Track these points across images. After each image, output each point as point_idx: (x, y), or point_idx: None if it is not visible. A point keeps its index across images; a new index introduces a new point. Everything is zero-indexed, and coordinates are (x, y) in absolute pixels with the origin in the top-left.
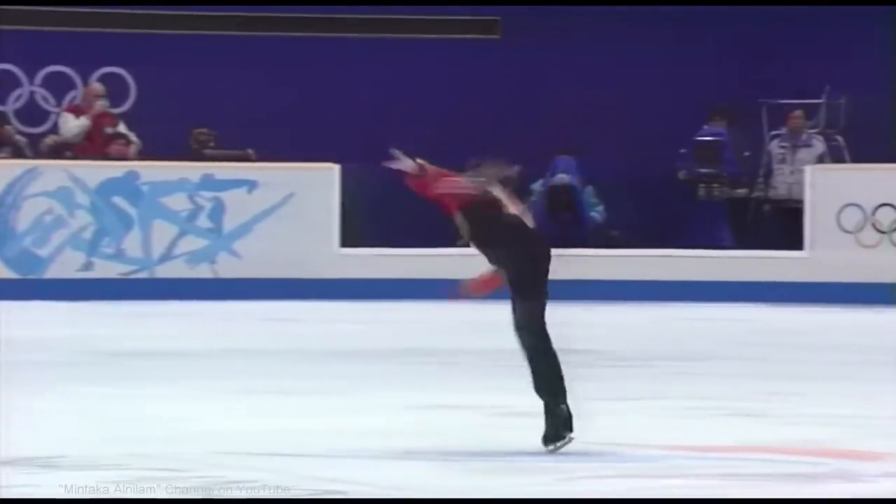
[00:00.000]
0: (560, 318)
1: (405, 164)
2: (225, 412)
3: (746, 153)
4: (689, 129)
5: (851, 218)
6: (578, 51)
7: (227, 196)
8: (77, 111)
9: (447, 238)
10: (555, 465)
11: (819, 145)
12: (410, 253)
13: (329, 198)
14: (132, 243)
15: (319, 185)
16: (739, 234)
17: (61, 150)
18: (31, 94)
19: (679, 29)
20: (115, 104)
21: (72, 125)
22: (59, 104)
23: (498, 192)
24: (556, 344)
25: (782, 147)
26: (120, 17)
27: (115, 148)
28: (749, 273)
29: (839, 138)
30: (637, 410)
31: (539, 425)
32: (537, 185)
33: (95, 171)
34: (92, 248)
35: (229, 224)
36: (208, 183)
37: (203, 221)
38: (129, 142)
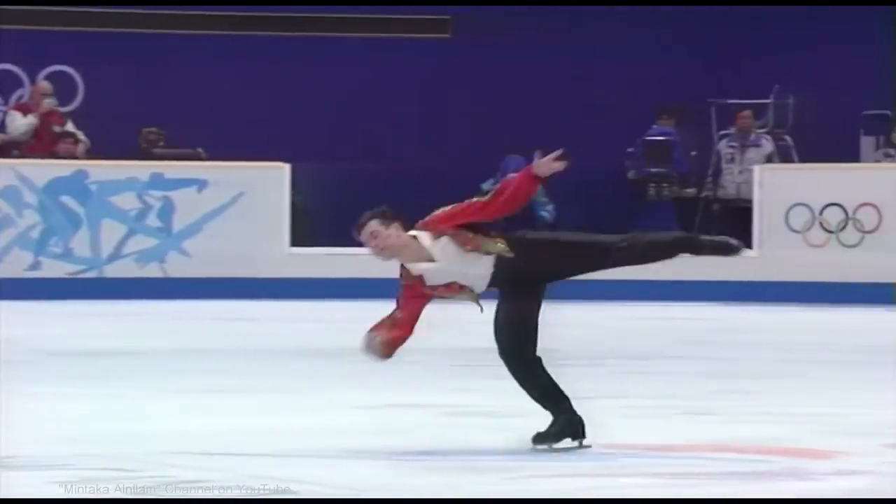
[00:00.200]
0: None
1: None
2: (176, 412)
3: (693, 153)
4: (639, 128)
5: (799, 217)
6: (528, 50)
7: (176, 195)
8: (24, 109)
9: None
10: (508, 465)
11: (767, 145)
12: (361, 252)
13: (279, 197)
14: (80, 242)
15: (269, 184)
16: (689, 233)
17: (8, 149)
18: None
19: (629, 29)
20: (63, 102)
21: (19, 123)
22: (6, 102)
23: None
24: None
25: (731, 147)
26: (68, 15)
27: (63, 147)
28: (698, 272)
29: (787, 138)
30: (589, 410)
31: (491, 425)
32: (487, 185)
33: (43, 170)
34: (40, 247)
35: (179, 223)
36: (158, 182)
37: (152, 221)
38: (77, 140)
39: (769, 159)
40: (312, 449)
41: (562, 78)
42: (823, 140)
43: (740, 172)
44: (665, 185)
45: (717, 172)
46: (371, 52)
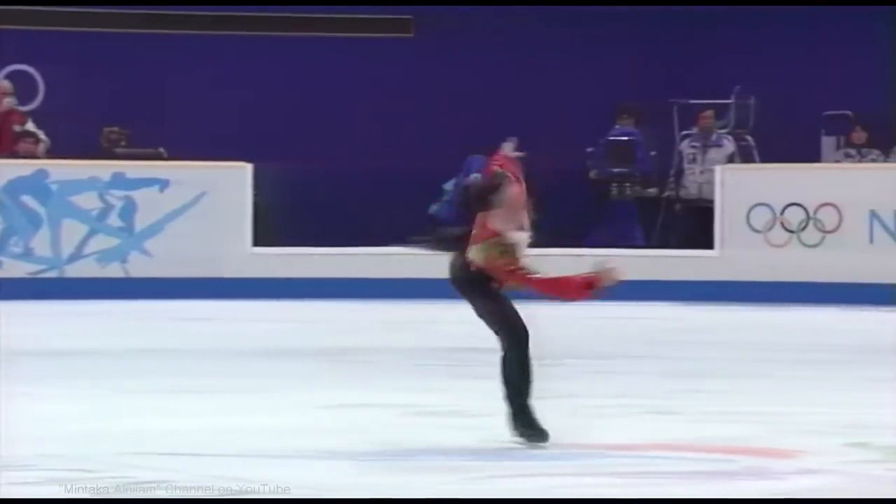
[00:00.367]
0: (466, 317)
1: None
2: (137, 412)
3: (652, 153)
4: (601, 128)
5: (761, 217)
6: (490, 50)
7: (138, 195)
8: None
9: (358, 238)
10: (470, 464)
11: (729, 145)
12: (323, 252)
13: (241, 197)
14: (41, 242)
15: (232, 183)
16: (650, 233)
17: None
18: None
19: (591, 29)
20: (23, 102)
21: None
22: None
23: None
24: (469, 343)
25: (693, 147)
26: (27, 14)
27: (23, 146)
28: (660, 272)
29: (749, 138)
30: (549, 409)
31: (453, 424)
32: (449, 185)
33: (3, 170)
34: (0, 247)
35: (140, 223)
36: (119, 182)
37: (114, 220)
38: (37, 140)
39: (731, 159)
40: (275, 449)
41: (524, 78)
42: (785, 140)
43: (702, 172)
44: (627, 185)
45: (679, 172)
46: (333, 51)
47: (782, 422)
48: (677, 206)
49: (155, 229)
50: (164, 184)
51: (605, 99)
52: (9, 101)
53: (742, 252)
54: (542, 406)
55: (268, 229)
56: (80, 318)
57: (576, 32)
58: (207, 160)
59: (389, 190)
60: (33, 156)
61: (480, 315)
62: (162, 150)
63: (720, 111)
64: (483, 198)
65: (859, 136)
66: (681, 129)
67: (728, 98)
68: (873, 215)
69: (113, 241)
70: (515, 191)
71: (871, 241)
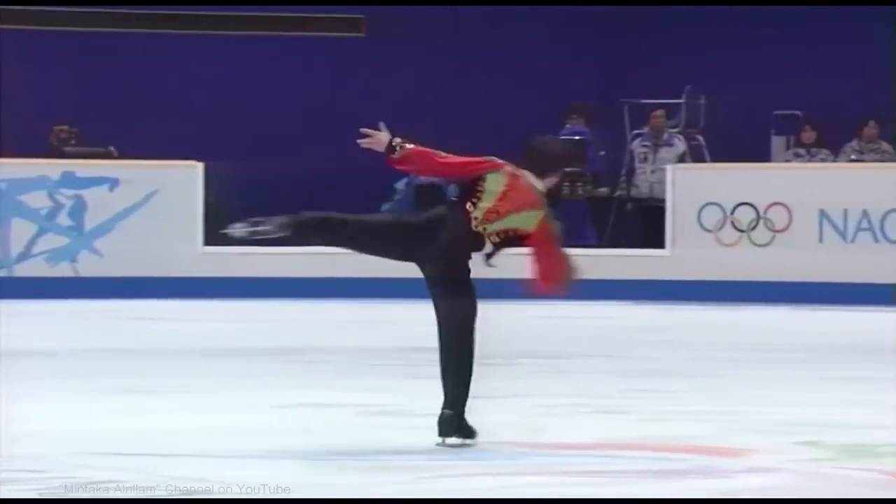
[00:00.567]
0: (422, 318)
1: (378, 141)
2: (88, 412)
3: (601, 152)
4: (551, 127)
5: (711, 217)
6: (442, 50)
7: (88, 194)
8: None
9: None
10: (421, 464)
11: (680, 145)
12: (275, 251)
13: (192, 196)
14: None
15: (183, 182)
16: (602, 232)
17: None
18: None
19: (542, 28)
20: None
21: None
22: None
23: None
24: (418, 343)
25: (644, 146)
26: None
27: None
28: (612, 271)
29: (699, 138)
30: (500, 408)
31: (405, 424)
32: (400, 184)
33: None
34: None
35: (90, 222)
36: (69, 180)
37: (63, 219)
38: None
39: (682, 159)
40: (227, 449)
41: (474, 77)
42: (735, 140)
43: (653, 172)
44: (579, 184)
45: (631, 172)
46: (285, 50)
47: (733, 420)
48: (629, 206)
49: (105, 228)
50: (114, 183)
51: (556, 98)
52: None
53: (693, 251)
54: (493, 405)
55: (219, 228)
56: (29, 318)
57: (526, 32)
58: (158, 159)
59: (341, 189)
60: None
61: (451, 278)
62: (112, 148)
63: (671, 111)
64: (563, 163)
65: (809, 135)
66: (632, 129)
67: (679, 98)
68: (823, 215)
69: (62, 241)
70: None
71: (821, 240)
